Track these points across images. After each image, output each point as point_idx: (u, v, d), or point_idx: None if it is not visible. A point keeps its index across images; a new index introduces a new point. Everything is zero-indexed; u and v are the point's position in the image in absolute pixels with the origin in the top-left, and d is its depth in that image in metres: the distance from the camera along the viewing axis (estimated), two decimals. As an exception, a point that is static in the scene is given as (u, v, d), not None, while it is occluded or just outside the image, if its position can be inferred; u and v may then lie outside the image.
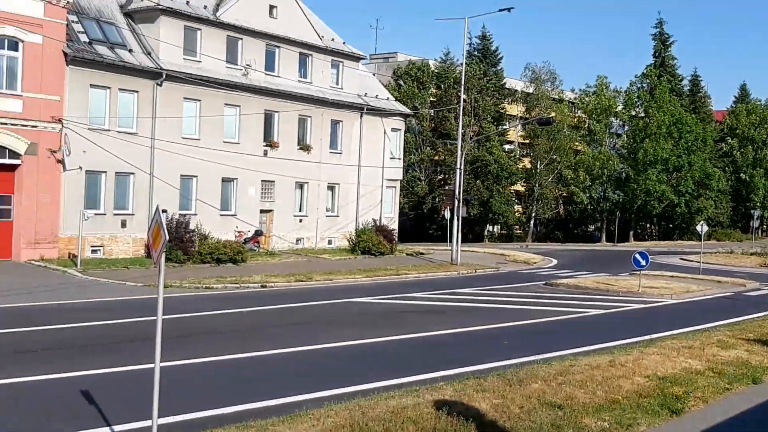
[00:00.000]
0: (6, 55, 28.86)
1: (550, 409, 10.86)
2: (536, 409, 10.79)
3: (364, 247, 41.10)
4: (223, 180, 36.83)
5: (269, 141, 38.95)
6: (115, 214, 32.64)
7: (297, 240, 40.88)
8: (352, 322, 20.90)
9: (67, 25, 30.75)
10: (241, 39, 37.51)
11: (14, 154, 29.08)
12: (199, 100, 35.42)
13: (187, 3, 35.35)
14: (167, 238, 9.48)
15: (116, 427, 10.48)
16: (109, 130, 31.84)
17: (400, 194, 50.33)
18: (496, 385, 12.13)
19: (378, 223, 43.89)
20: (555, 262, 46.23)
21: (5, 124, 28.57)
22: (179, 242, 31.29)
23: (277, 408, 11.37)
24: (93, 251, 31.63)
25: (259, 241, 38.39)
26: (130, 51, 33.35)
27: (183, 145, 34.36)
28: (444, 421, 10.08)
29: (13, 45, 29.04)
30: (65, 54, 30.26)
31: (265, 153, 38.71)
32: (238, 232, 37.24)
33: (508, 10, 39.34)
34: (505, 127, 74.85)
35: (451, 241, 42.17)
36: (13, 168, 29.35)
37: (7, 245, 29.46)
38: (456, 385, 12.26)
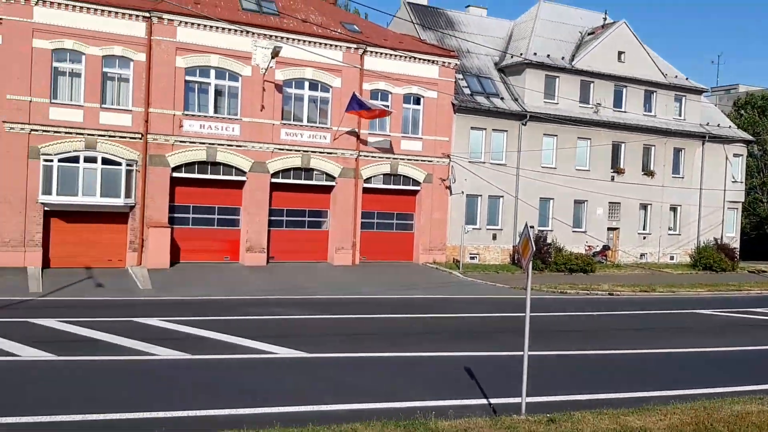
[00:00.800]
0: (411, 108, 32.00)
1: None
2: None
3: (705, 263, 37.78)
4: (575, 202, 36.59)
5: (616, 168, 37.81)
6: (487, 229, 34.23)
7: (640, 255, 39.01)
8: (693, 331, 19.53)
9: (455, 82, 33.10)
10: (593, 82, 37.01)
11: (416, 182, 32.09)
12: (556, 135, 35.70)
13: (548, 56, 35.90)
14: (534, 249, 10.00)
15: (492, 400, 11.18)
16: (484, 163, 33.54)
17: (742, 215, 45.21)
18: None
19: (719, 242, 40.02)
20: None
21: (410, 159, 31.68)
22: (538, 253, 31.83)
23: (623, 400, 11.23)
24: (471, 258, 33.49)
25: (607, 254, 37.35)
26: (502, 99, 34.86)
27: (542, 173, 34.93)
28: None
29: (417, 100, 32.09)
30: (453, 104, 32.63)
31: (612, 178, 37.64)
32: (588, 246, 36.67)
33: None
34: None
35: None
36: (415, 193, 32.39)
37: (410, 250, 32.56)
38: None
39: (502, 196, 34.28)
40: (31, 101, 24.56)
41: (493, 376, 12.91)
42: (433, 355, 14.56)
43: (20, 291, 21.01)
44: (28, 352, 13.18)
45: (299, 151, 29.08)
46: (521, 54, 35.60)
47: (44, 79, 24.77)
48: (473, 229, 33.19)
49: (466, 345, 15.60)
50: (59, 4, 24.79)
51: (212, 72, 27.53)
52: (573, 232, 36.35)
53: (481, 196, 33.73)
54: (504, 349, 15.14)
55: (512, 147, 34.47)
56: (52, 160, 24.67)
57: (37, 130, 24.65)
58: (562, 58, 36.59)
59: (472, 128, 33.40)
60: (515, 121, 34.60)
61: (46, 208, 24.92)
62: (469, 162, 33.00)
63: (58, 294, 21.01)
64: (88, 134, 25.37)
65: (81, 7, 25.11)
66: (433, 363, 13.94)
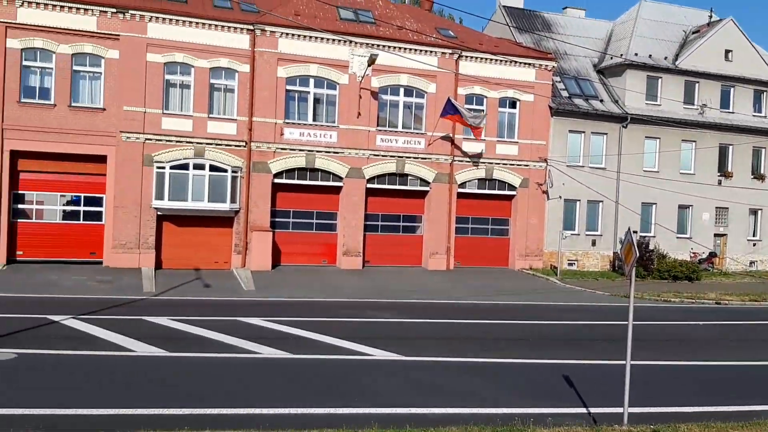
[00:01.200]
0: (507, 111, 31.64)
1: None
2: None
3: (824, 271, 35.25)
4: (679, 207, 35.02)
5: (723, 171, 35.92)
6: (586, 235, 33.33)
7: (750, 263, 36.87)
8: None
9: (552, 84, 32.47)
10: (698, 82, 35.36)
11: (512, 187, 31.69)
12: (659, 138, 34.34)
13: (650, 56, 34.63)
14: (637, 255, 9.70)
15: (592, 409, 10.92)
16: (582, 167, 32.70)
17: None
18: None
19: (840, 248, 37.22)
20: None
21: (506, 164, 31.32)
22: (640, 260, 30.60)
23: (730, 414, 10.70)
24: (569, 264, 32.71)
25: (713, 262, 35.53)
26: (601, 101, 33.89)
27: (643, 177, 33.66)
28: None
29: (512, 104, 31.71)
30: (550, 107, 32.02)
31: (719, 182, 35.79)
32: (693, 253, 35.00)
33: None
34: None
35: None
36: (510, 198, 31.99)
37: (506, 256, 32.16)
38: None
39: (602, 201, 33.28)
40: (145, 112, 26.04)
41: (593, 384, 12.59)
42: (530, 362, 14.35)
43: (135, 290, 22.29)
44: (143, 348, 13.98)
45: (394, 156, 29.35)
46: (621, 55, 34.50)
47: (157, 91, 26.21)
48: (571, 234, 32.41)
49: (564, 352, 15.27)
50: (171, 19, 26.18)
51: (311, 81, 28.26)
52: (677, 238, 34.81)
53: (579, 200, 32.89)
54: (603, 358, 14.73)
55: (612, 150, 33.43)
56: (164, 168, 26.05)
57: (150, 139, 26.11)
58: (665, 58, 35.18)
59: (570, 131, 32.65)
60: (615, 124, 33.54)
61: (158, 213, 26.34)
62: (567, 166, 32.25)
63: (169, 293, 22.15)
64: (197, 143, 26.64)
65: (190, 22, 26.42)
66: (529, 370, 13.74)
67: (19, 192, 25.45)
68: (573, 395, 11.73)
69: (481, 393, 11.74)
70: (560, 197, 32.26)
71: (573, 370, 13.48)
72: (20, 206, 25.49)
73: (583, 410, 10.86)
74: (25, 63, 25.05)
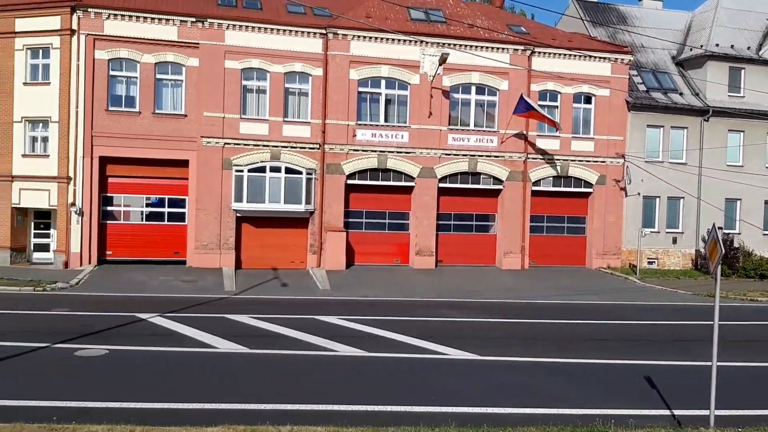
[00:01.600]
0: (582, 107, 30.93)
1: None
2: None
3: None
4: (766, 202, 33.35)
5: (815, 164, 33.97)
6: (666, 232, 32.21)
7: None
8: None
9: (629, 78, 31.54)
10: (786, 72, 33.60)
11: (588, 184, 30.96)
12: (743, 131, 32.84)
13: (732, 47, 33.16)
14: (723, 251, 9.34)
15: (676, 411, 10.57)
16: (662, 162, 31.62)
17: None
18: None
19: None
20: None
21: (581, 161, 30.63)
22: (724, 258, 29.38)
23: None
24: (648, 262, 31.71)
25: (804, 258, 33.62)
26: (681, 94, 32.69)
27: (727, 172, 32.24)
28: None
29: (587, 99, 30.98)
30: (627, 102, 31.12)
31: (811, 176, 33.87)
32: (782, 249, 33.25)
33: None
34: None
35: None
36: (587, 195, 31.26)
37: (582, 255, 31.45)
38: None
39: (683, 197, 32.09)
40: (224, 117, 26.82)
41: (676, 386, 12.17)
42: (610, 362, 13.99)
43: (217, 289, 23.00)
44: (225, 345, 14.42)
45: (466, 155, 29.18)
46: (701, 46, 33.18)
47: (235, 96, 26.96)
48: (651, 232, 31.40)
49: (646, 353, 14.82)
50: (247, 27, 26.88)
51: (383, 82, 28.44)
52: (764, 235, 33.20)
53: (659, 197, 31.82)
54: (687, 359, 14.21)
55: (693, 145, 32.19)
56: (242, 171, 26.75)
57: (229, 144, 26.87)
58: (748, 48, 33.61)
59: (648, 126, 31.63)
60: (696, 117, 32.29)
61: (237, 215, 27.09)
62: (646, 162, 31.26)
63: (248, 292, 22.75)
64: (273, 146, 27.24)
65: (266, 29, 27.05)
66: (609, 370, 13.40)
67: (108, 195, 26.70)
68: (655, 396, 11.38)
69: (560, 393, 11.54)
70: (639, 194, 31.30)
71: (655, 371, 13.08)
72: (109, 208, 26.74)
73: (666, 412, 10.52)
74: (111, 73, 26.25)
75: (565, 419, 9.88)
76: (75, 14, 25.72)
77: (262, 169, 26.92)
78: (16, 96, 26.30)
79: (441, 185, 29.14)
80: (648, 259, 31.76)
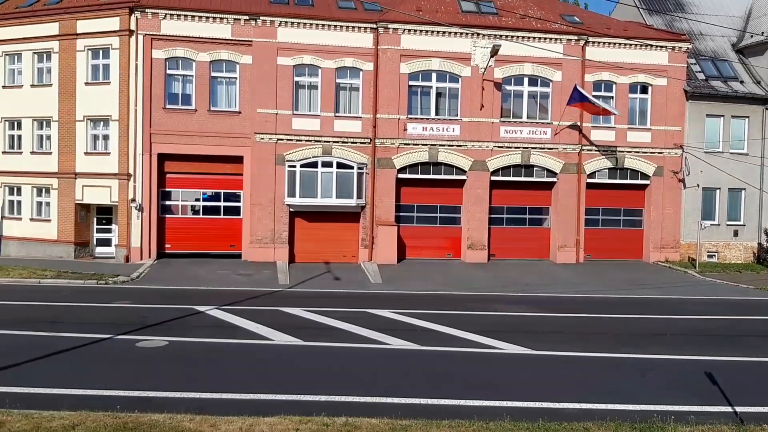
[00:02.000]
0: (638, 97, 30.17)
1: None
2: None
3: None
4: (836, 192, 31.96)
5: None
6: (727, 225, 31.17)
7: None
8: None
9: (687, 67, 30.61)
10: None
11: (645, 176, 30.20)
12: (811, 119, 31.50)
13: (799, 31, 31.81)
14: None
15: (738, 408, 10.25)
16: (722, 152, 30.59)
17: None
18: None
19: None
20: None
21: (638, 152, 29.89)
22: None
23: None
24: (708, 256, 30.76)
25: None
26: (741, 82, 31.56)
27: (793, 162, 31.02)
28: None
29: (644, 89, 30.19)
30: (685, 91, 30.21)
31: None
32: None
33: None
34: None
35: None
36: (643, 187, 30.51)
37: (639, 248, 30.71)
38: None
39: (744, 189, 31.01)
40: (277, 113, 27.16)
41: (738, 382, 11.79)
42: (668, 357, 13.65)
43: (271, 283, 23.35)
44: (280, 337, 14.62)
45: (519, 147, 28.82)
46: (763, 32, 31.93)
47: (287, 92, 27.26)
48: (711, 225, 30.44)
49: (706, 348, 14.41)
50: (299, 23, 27.13)
51: (433, 75, 28.31)
52: (833, 227, 31.82)
53: (719, 189, 30.83)
54: (749, 354, 13.77)
55: (755, 134, 31.06)
56: (295, 166, 27.05)
57: (282, 139, 27.20)
58: (821, 32, 32.20)
59: (707, 116, 30.64)
60: (758, 106, 31.12)
61: (291, 209, 27.42)
62: (705, 152, 30.31)
63: (302, 286, 23.01)
64: (325, 141, 27.46)
65: (317, 25, 27.24)
66: (668, 365, 13.07)
67: (166, 190, 27.37)
68: (716, 393, 11.05)
69: (617, 388, 11.31)
70: (698, 185, 30.38)
71: (716, 367, 12.70)
72: (167, 203, 27.41)
73: (728, 409, 10.21)
74: (168, 72, 26.86)
75: (622, 415, 9.69)
76: (133, 15, 26.40)
77: (314, 164, 27.15)
78: (78, 96, 27.20)
79: (493, 178, 28.86)
80: (708, 252, 30.82)
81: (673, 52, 30.07)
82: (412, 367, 12.51)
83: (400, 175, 28.20)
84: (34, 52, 27.93)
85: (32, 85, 28.00)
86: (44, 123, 28.00)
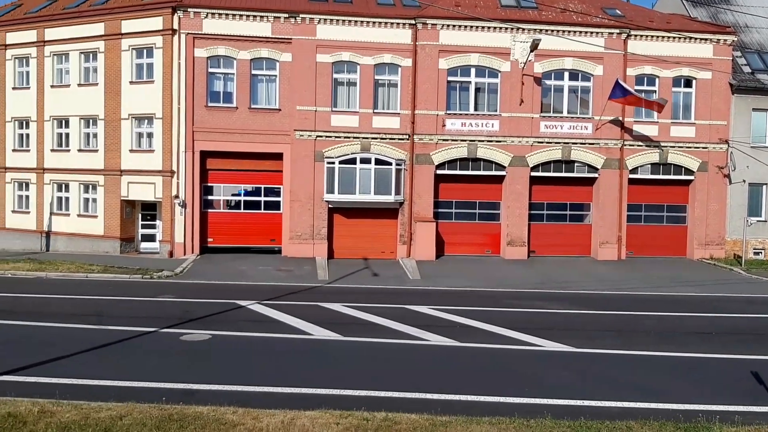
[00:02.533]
0: (682, 91, 29.52)
1: None
2: None
3: None
4: None
5: None
6: (775, 221, 30.38)
7: None
8: None
9: (732, 60, 29.83)
10: None
11: (689, 171, 29.55)
12: None
13: None
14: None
15: (789, 409, 9.98)
16: (769, 147, 29.81)
17: None
18: None
19: None
20: None
21: (681, 147, 29.25)
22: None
23: None
24: (755, 253, 29.97)
25: None
26: (791, 74, 30.60)
27: None
28: None
29: (687, 83, 29.53)
30: (731, 85, 29.46)
31: None
32: None
33: None
34: None
35: None
36: (687, 183, 29.86)
37: (683, 245, 30.10)
38: None
39: (793, 184, 30.14)
40: (316, 111, 27.35)
41: (788, 383, 11.48)
42: (714, 356, 13.36)
43: (311, 278, 23.54)
44: (320, 332, 14.75)
45: (559, 143, 28.48)
46: (815, 22, 30.95)
47: (326, 89, 27.41)
48: (758, 221, 29.67)
49: (753, 347, 14.06)
50: (338, 20, 27.25)
51: (472, 70, 28.14)
52: None
53: (766, 184, 30.02)
54: (800, 355, 13.37)
55: (805, 128, 30.14)
56: (333, 163, 27.21)
57: (321, 136, 27.38)
58: None
59: (753, 110, 29.84)
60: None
61: (329, 206, 27.60)
62: (752, 147, 29.52)
63: (341, 282, 23.15)
64: (363, 137, 27.54)
65: (356, 21, 27.32)
66: (712, 364, 12.80)
67: (208, 185, 27.80)
68: (763, 393, 10.79)
69: (660, 387, 11.12)
70: (744, 181, 29.62)
71: (763, 367, 12.39)
72: (209, 198, 27.86)
73: (777, 410, 9.95)
74: (210, 70, 27.25)
75: (666, 414, 9.53)
76: (176, 14, 26.85)
77: (352, 161, 27.26)
78: (123, 94, 27.80)
79: (533, 174, 28.59)
80: (754, 249, 30.03)
81: (717, 44, 29.34)
82: (451, 364, 12.49)
83: (439, 171, 28.13)
84: (81, 52, 28.63)
85: (79, 84, 28.72)
86: (91, 121, 28.71)
